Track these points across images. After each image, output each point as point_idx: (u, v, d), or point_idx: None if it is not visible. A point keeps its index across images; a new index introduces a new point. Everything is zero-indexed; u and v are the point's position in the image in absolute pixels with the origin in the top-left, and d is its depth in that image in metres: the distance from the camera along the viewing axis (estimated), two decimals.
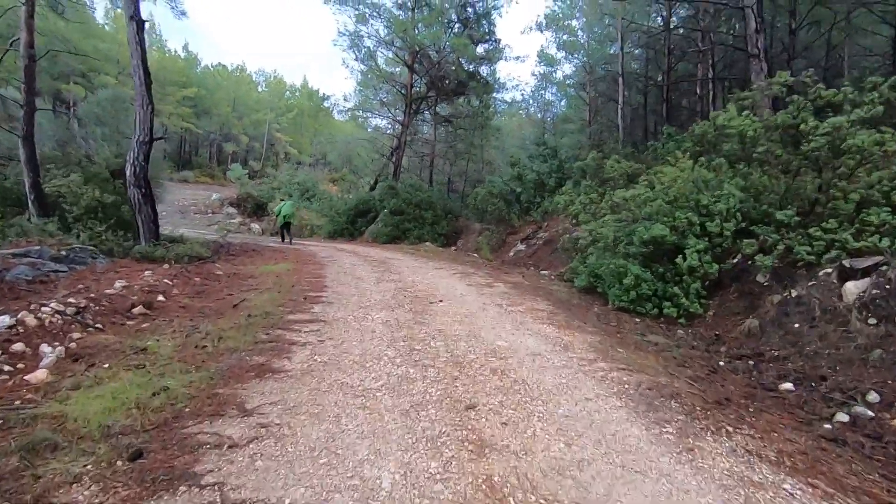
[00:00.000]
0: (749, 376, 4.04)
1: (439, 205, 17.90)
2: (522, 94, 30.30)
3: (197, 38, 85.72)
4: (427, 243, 15.90)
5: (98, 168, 11.77)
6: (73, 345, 3.46)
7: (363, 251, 12.50)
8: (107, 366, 3.14)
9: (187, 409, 2.59)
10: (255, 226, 22.80)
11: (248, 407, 2.66)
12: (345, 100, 21.83)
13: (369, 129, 26.73)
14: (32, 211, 9.05)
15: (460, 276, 8.34)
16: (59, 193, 7.83)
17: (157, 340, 3.63)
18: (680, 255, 5.92)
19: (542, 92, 32.54)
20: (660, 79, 21.53)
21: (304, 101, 58.22)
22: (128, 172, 8.79)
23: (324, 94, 20.08)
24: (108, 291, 4.68)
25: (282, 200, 17.35)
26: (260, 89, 59.17)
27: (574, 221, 9.83)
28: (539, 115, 32.81)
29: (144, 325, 4.06)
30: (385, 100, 21.63)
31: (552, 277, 9.80)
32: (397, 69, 21.23)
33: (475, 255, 13.91)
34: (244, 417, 2.53)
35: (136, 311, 4.43)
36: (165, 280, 5.72)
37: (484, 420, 2.61)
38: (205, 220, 23.63)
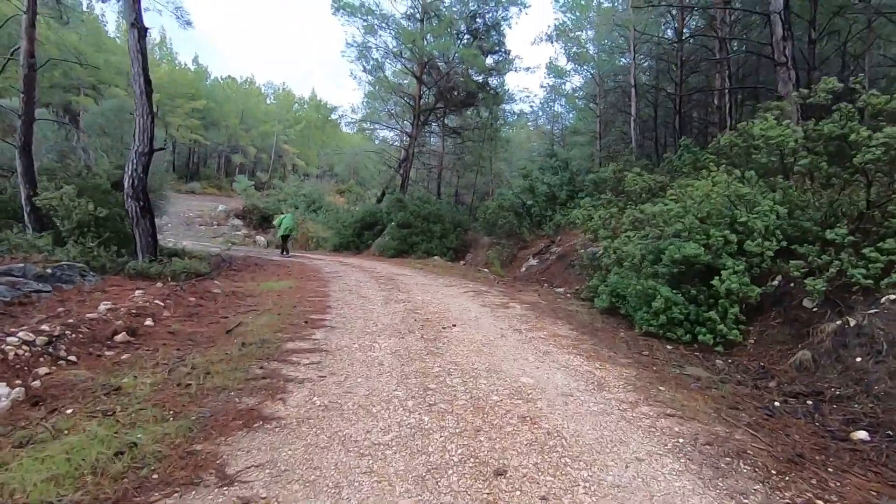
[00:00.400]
0: (812, 421, 3.51)
1: (448, 218, 17.48)
2: (531, 106, 30.01)
3: (203, 48, 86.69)
4: (436, 257, 15.45)
5: (98, 179, 11.46)
6: (37, 383, 3.01)
7: (370, 266, 12.06)
8: (70, 411, 2.68)
9: (155, 476, 2.12)
10: (261, 238, 22.48)
11: (229, 471, 2.19)
12: (353, 112, 21.56)
13: (377, 141, 26.52)
14: (29, 225, 8.71)
15: (473, 294, 7.85)
16: (50, 206, 7.45)
17: (135, 377, 3.18)
18: (716, 277, 5.41)
19: (551, 104, 32.27)
20: (672, 90, 21.10)
21: (312, 114, 58.44)
22: (126, 184, 8.43)
23: (331, 106, 19.76)
24: (89, 316, 4.24)
25: (282, 213, 17.20)
26: (269, 101, 59.57)
27: (592, 237, 9.34)
28: (548, 127, 32.50)
29: (124, 357, 3.61)
30: (393, 111, 21.37)
31: (569, 296, 9.29)
32: (406, 80, 21.01)
33: (486, 270, 13.42)
34: (223, 488, 2.06)
35: (118, 338, 3.98)
36: (157, 301, 5.29)
37: (518, 493, 2.11)
38: (210, 233, 23.36)
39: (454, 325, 5.24)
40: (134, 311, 4.73)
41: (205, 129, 50.34)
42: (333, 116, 20.19)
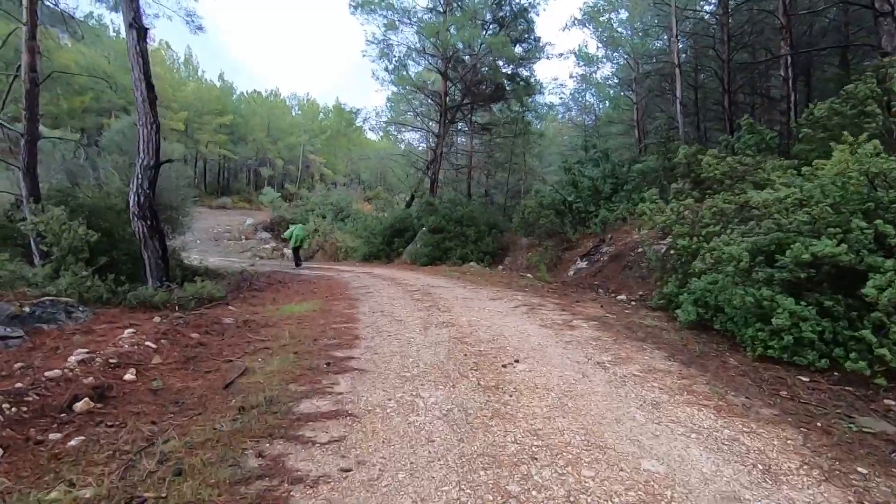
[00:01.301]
0: None
1: (482, 220, 16.28)
2: (561, 97, 28.54)
3: (228, 65, 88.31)
4: (472, 264, 14.27)
5: (112, 199, 10.83)
6: None
7: (402, 277, 10.99)
8: None
9: None
10: (288, 251, 21.84)
11: None
12: (376, 115, 20.64)
13: (402, 145, 25.61)
14: (36, 253, 8.04)
15: (525, 310, 6.64)
16: (38, 233, 6.68)
17: (70, 487, 2.13)
18: (866, 282, 4.03)
19: (582, 94, 30.68)
20: (716, 70, 19.29)
21: (337, 122, 58.35)
22: (131, 202, 7.62)
23: (354, 109, 18.91)
24: (49, 374, 3.26)
25: (292, 224, 16.73)
26: (294, 113, 59.86)
27: (661, 234, 7.99)
28: (581, 119, 30.86)
29: (73, 443, 2.58)
30: (419, 111, 20.35)
31: (634, 304, 7.96)
32: (430, 79, 19.97)
33: (529, 276, 12.15)
34: None
35: (78, 407, 2.98)
36: (148, 342, 4.31)
37: None
38: (238, 247, 22.92)
39: (516, 361, 4.04)
40: (114, 361, 3.75)
41: (233, 145, 50.85)
42: (357, 121, 19.23)
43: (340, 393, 3.35)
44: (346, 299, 7.69)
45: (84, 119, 36.90)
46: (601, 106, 31.15)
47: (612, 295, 9.43)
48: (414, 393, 3.34)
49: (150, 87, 7.80)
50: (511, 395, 3.26)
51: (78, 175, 10.05)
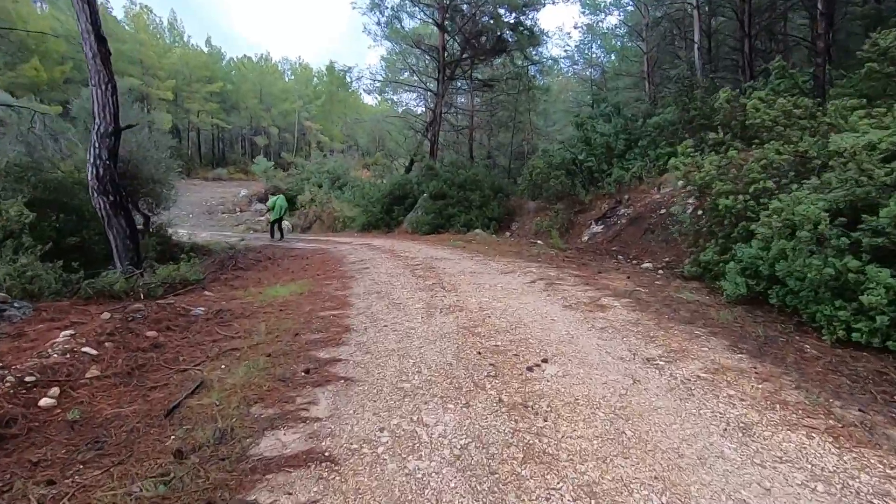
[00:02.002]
0: None
1: (486, 184, 15.25)
2: (566, 51, 26.77)
3: (214, 29, 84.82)
4: (477, 231, 13.35)
5: (79, 174, 9.88)
6: None
7: (403, 249, 10.11)
8: None
9: None
10: (285, 223, 20.93)
11: None
12: (370, 73, 19.18)
13: (400, 108, 24.21)
14: None
15: (543, 285, 5.77)
16: None
17: None
18: None
19: (588, 46, 28.88)
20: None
21: (331, 86, 56.20)
22: (89, 175, 6.68)
23: (345, 67, 17.44)
24: None
25: (272, 195, 15.82)
26: (287, 79, 57.65)
27: (683, 191, 7.01)
28: (587, 73, 29.15)
29: None
30: (416, 68, 18.93)
31: (662, 273, 7.08)
32: (427, 32, 18.47)
33: (539, 242, 11.25)
34: None
35: None
36: (87, 348, 3.48)
37: None
38: (232, 220, 22.03)
39: (544, 361, 3.20)
40: (31, 379, 2.93)
41: (225, 114, 49.16)
42: (349, 79, 17.88)
43: (318, 419, 2.52)
44: (340, 278, 6.84)
45: (66, 90, 35.31)
46: (608, 59, 29.41)
47: (635, 262, 8.54)
48: (415, 417, 2.50)
49: (100, 39, 6.71)
50: (545, 419, 2.42)
51: (36, 147, 9.04)
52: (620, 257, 9.12)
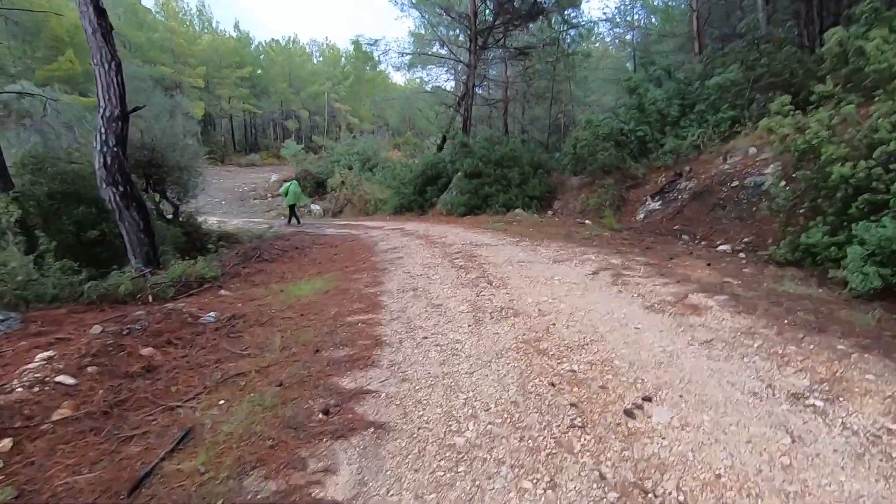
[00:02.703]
0: None
1: (525, 159, 14.14)
2: (605, 13, 24.80)
3: (247, 21, 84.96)
4: (517, 211, 12.36)
5: (80, 166, 9.46)
6: None
7: (438, 233, 9.28)
8: None
9: None
10: (316, 207, 20.46)
11: None
12: (398, 46, 18.00)
13: (429, 85, 23.06)
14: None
15: (609, 276, 4.83)
16: None
17: None
18: None
19: (631, 6, 26.79)
20: None
21: (358, 63, 55.28)
22: (96, 164, 6.10)
23: (370, 40, 16.36)
24: None
25: (285, 182, 15.33)
26: (315, 60, 57.11)
27: (755, 159, 5.83)
28: (629, 36, 27.05)
29: None
30: (445, 37, 17.75)
31: (744, 257, 6.00)
32: None
33: (587, 222, 10.19)
34: None
35: None
36: (63, 376, 2.84)
37: None
38: (263, 206, 21.73)
39: (646, 400, 2.32)
40: None
41: (256, 99, 49.16)
42: (376, 54, 16.93)
43: None
44: (370, 270, 6.09)
45: None
46: (649, 20, 27.24)
47: (704, 243, 7.44)
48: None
49: (99, 12, 6.05)
50: None
51: (50, 137, 8.63)
52: (686, 237, 8.01)
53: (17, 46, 28.93)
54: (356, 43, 16.10)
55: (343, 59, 57.53)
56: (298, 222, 15.02)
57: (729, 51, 13.02)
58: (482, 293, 4.46)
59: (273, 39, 53.89)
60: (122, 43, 36.20)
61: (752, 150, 9.45)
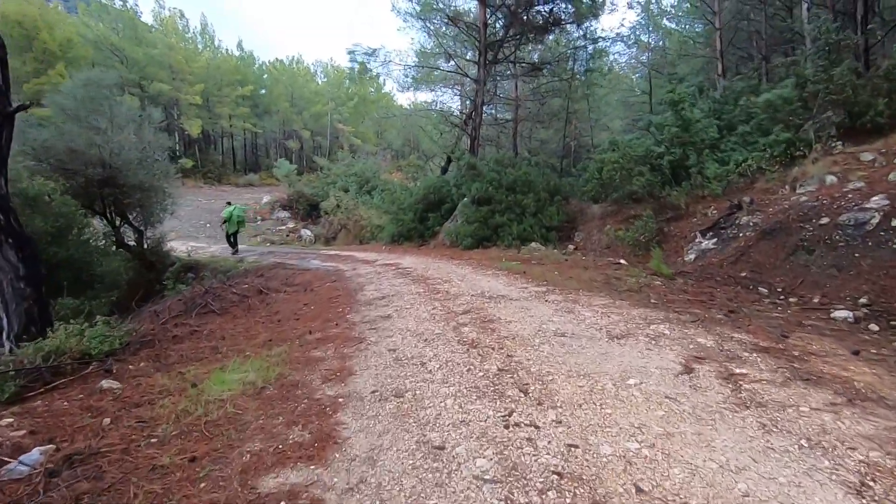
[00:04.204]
0: None
1: (541, 184, 12.40)
2: (618, 33, 23.33)
3: (247, 36, 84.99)
4: (533, 244, 10.54)
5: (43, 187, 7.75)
6: None
7: (440, 276, 7.42)
8: None
9: None
10: (307, 232, 18.72)
11: None
12: (399, 58, 16.36)
13: (436, 104, 21.54)
14: None
15: (718, 381, 2.93)
16: None
17: None
18: None
19: (646, 26, 25.42)
20: None
21: (364, 87, 54.52)
22: None
23: (368, 50, 14.69)
24: None
25: (228, 205, 13.56)
26: (318, 81, 56.33)
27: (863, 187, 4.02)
28: (644, 57, 25.62)
29: None
30: (451, 50, 16.23)
31: (887, 332, 4.11)
32: (466, 6, 15.76)
33: (623, 262, 8.33)
34: None
35: None
36: None
37: None
38: (252, 229, 19.97)
39: None
40: None
41: (257, 118, 48.09)
42: (374, 64, 15.34)
43: None
44: (342, 342, 4.21)
45: None
46: (663, 41, 25.86)
47: (794, 300, 5.55)
48: None
49: None
50: None
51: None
52: (764, 290, 6.12)
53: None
54: (352, 53, 14.51)
55: (347, 80, 56.81)
56: (235, 250, 13.68)
57: (780, 65, 11.38)
58: (515, 420, 2.57)
59: (277, 59, 53.13)
60: (120, 59, 35.26)
61: (832, 179, 7.65)
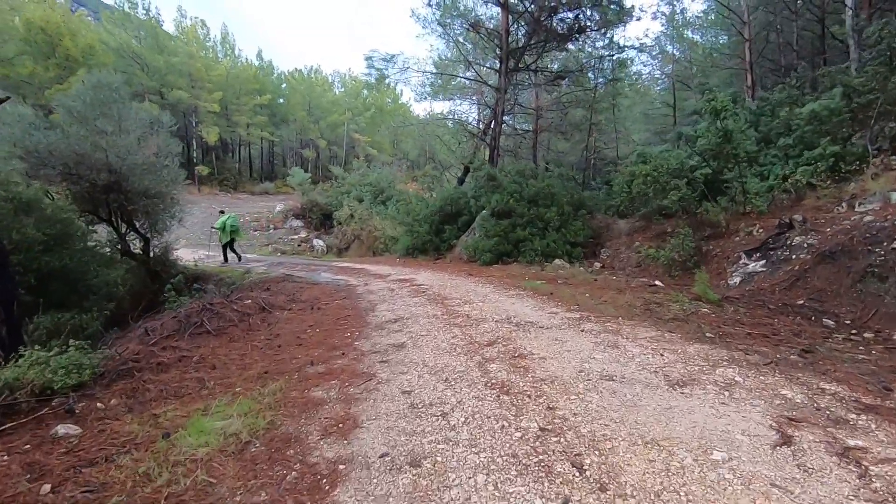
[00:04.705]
0: None
1: (565, 197, 11.73)
2: (641, 42, 22.66)
3: (268, 47, 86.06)
4: (558, 261, 9.86)
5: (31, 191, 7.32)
6: None
7: (459, 295, 6.78)
8: None
9: None
10: (319, 242, 18.23)
11: None
12: (416, 64, 15.92)
13: (454, 114, 21.06)
14: None
15: (832, 458, 2.24)
16: None
17: None
18: None
19: (669, 38, 24.73)
20: None
21: (381, 97, 54.63)
22: None
23: (386, 56, 14.21)
24: None
25: (222, 213, 12.99)
26: (336, 91, 56.55)
27: None
28: (669, 69, 24.88)
29: None
30: (472, 58, 15.74)
31: None
32: (486, 11, 15.28)
33: (659, 283, 7.60)
34: None
35: None
36: None
37: None
38: (263, 238, 19.58)
39: None
40: None
41: (274, 127, 48.29)
42: (391, 71, 14.89)
43: None
44: (348, 377, 3.59)
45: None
46: (690, 53, 25.11)
47: (870, 335, 4.78)
48: None
49: None
50: None
51: None
52: (829, 322, 5.35)
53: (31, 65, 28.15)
54: (370, 59, 14.09)
55: (364, 90, 56.95)
56: (238, 258, 13.13)
57: (824, 74, 10.62)
58: None
59: (295, 69, 53.51)
60: (141, 66, 35.60)
61: None
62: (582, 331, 4.64)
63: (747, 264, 7.30)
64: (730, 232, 8.50)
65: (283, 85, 51.99)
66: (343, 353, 4.23)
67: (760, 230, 7.87)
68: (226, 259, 12.97)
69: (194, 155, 41.17)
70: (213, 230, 12.70)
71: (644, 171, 9.58)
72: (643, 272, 9.30)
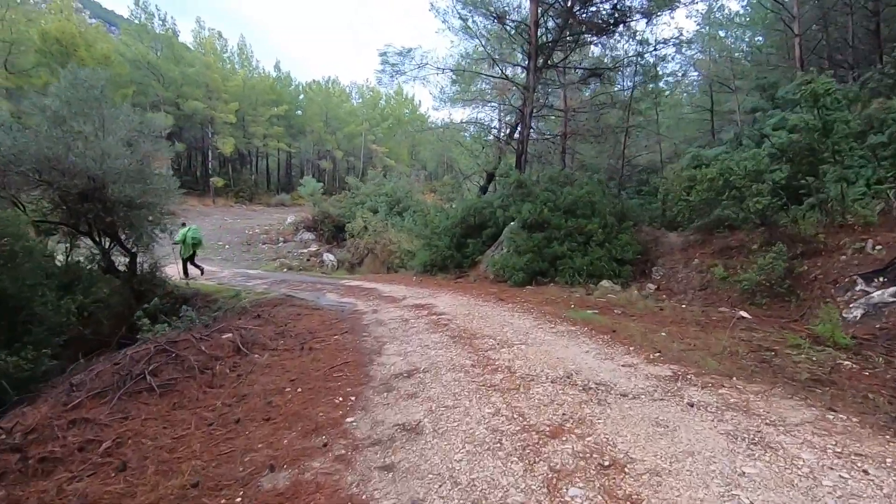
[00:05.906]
0: None
1: (607, 207, 10.11)
2: (686, 40, 21.00)
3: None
4: (605, 283, 8.23)
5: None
6: None
7: (492, 330, 5.21)
8: None
9: None
10: (329, 257, 16.86)
11: None
12: (434, 60, 14.38)
13: (473, 116, 19.64)
14: None
15: None
16: None
17: None
18: None
19: (708, 35, 22.96)
20: None
21: (398, 108, 53.87)
22: None
23: (403, 50, 12.93)
24: None
25: (183, 225, 11.52)
26: (354, 102, 55.94)
27: None
28: (697, 73, 23.05)
29: None
30: (497, 54, 14.29)
31: None
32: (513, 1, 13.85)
33: (745, 314, 5.92)
34: None
35: None
36: None
37: None
38: (271, 252, 18.31)
39: None
40: None
41: (291, 138, 47.69)
42: (407, 66, 13.48)
43: None
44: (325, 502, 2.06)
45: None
46: (730, 50, 23.29)
47: None
48: None
49: None
50: None
51: None
52: None
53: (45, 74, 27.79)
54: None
55: (383, 100, 56.21)
56: (201, 271, 12.04)
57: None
58: None
59: (313, 80, 53.11)
60: (157, 77, 35.23)
61: None
62: (690, 405, 3.04)
63: (868, 292, 5.58)
64: (829, 249, 6.76)
65: (301, 96, 51.51)
66: (325, 445, 2.71)
67: (878, 247, 6.14)
68: (185, 274, 11.71)
69: (210, 166, 40.57)
70: (173, 245, 11.34)
71: (709, 174, 7.93)
72: (711, 297, 7.61)
